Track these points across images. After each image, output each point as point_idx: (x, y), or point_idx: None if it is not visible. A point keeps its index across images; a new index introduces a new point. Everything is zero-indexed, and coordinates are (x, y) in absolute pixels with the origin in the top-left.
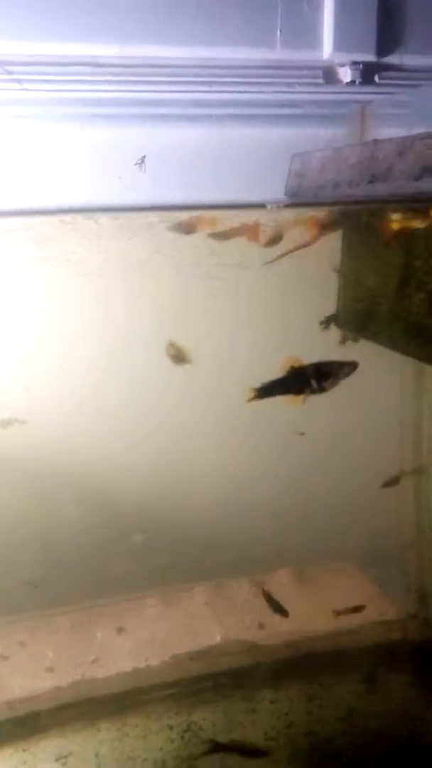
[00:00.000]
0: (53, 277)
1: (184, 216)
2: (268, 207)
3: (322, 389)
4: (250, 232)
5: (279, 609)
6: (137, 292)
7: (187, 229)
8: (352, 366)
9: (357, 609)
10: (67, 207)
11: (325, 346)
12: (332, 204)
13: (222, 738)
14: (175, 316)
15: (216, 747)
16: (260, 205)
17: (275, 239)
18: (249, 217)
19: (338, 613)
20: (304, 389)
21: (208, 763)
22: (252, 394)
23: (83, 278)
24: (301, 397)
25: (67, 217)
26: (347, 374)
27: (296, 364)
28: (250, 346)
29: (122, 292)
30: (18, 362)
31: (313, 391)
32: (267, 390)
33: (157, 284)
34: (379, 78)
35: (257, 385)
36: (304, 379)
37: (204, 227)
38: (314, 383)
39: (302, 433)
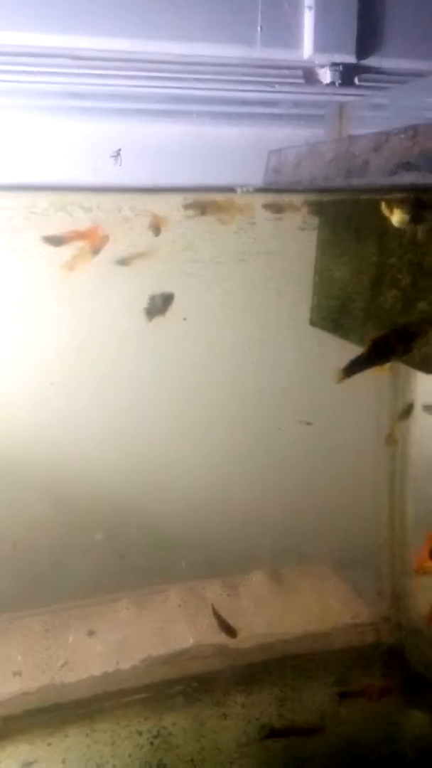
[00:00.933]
0: (23, 268)
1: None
2: (239, 191)
3: (407, 351)
4: (88, 237)
5: (227, 628)
6: (109, 287)
7: (57, 241)
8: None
9: None
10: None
11: (298, 343)
12: (305, 191)
13: (194, 745)
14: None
15: (271, 732)
16: (230, 189)
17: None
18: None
19: None
20: (390, 356)
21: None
22: (341, 375)
23: (54, 270)
24: (386, 366)
25: (38, 208)
26: (427, 331)
27: (375, 336)
28: (225, 342)
29: (93, 286)
30: None
31: (400, 356)
32: (354, 366)
33: (129, 278)
34: (359, 80)
35: (343, 365)
36: (388, 347)
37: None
38: (400, 348)
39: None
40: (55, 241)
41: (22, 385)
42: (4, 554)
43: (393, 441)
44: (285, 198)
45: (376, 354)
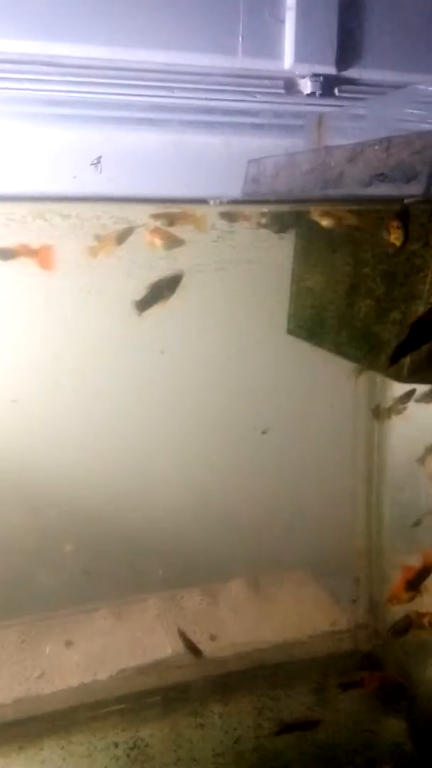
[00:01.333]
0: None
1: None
2: (211, 203)
3: None
4: (39, 256)
5: (193, 649)
6: (88, 294)
7: (6, 254)
8: None
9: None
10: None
11: (276, 351)
12: (278, 203)
13: (170, 756)
14: (127, 319)
15: (285, 728)
16: (203, 201)
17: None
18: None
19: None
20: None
21: None
22: (386, 363)
23: (32, 278)
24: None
25: (17, 215)
26: None
27: (413, 319)
28: (204, 350)
29: (72, 293)
30: None
31: None
32: (399, 353)
33: (108, 286)
34: (338, 91)
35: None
36: (428, 328)
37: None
38: None
39: (264, 432)
40: (5, 254)
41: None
42: None
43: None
44: (241, 208)
45: (417, 337)
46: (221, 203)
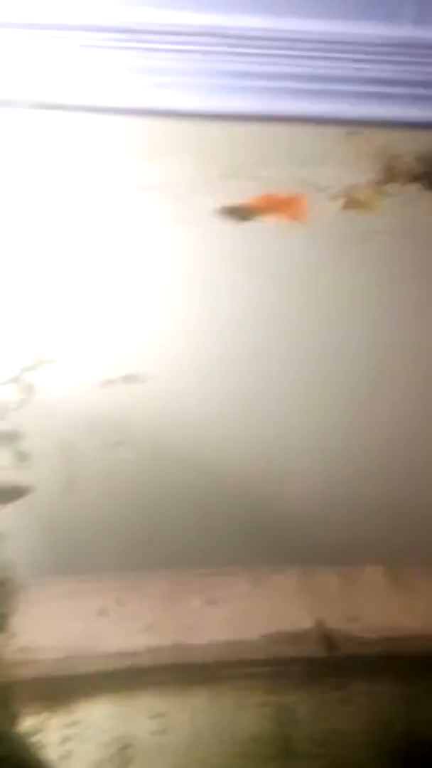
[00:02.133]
0: (189, 234)
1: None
2: None
3: None
4: (292, 207)
5: (329, 641)
6: (270, 263)
7: (242, 214)
8: None
9: None
10: None
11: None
12: None
13: (317, 726)
14: (307, 295)
15: None
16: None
17: None
18: None
19: None
20: None
21: None
22: None
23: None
24: None
25: (203, 177)
26: None
27: None
28: (369, 325)
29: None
30: (145, 319)
31: None
32: None
33: (289, 256)
34: None
35: None
36: None
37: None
38: None
39: None
40: (242, 212)
41: (177, 353)
42: (143, 515)
43: None
44: None
45: None
46: None
